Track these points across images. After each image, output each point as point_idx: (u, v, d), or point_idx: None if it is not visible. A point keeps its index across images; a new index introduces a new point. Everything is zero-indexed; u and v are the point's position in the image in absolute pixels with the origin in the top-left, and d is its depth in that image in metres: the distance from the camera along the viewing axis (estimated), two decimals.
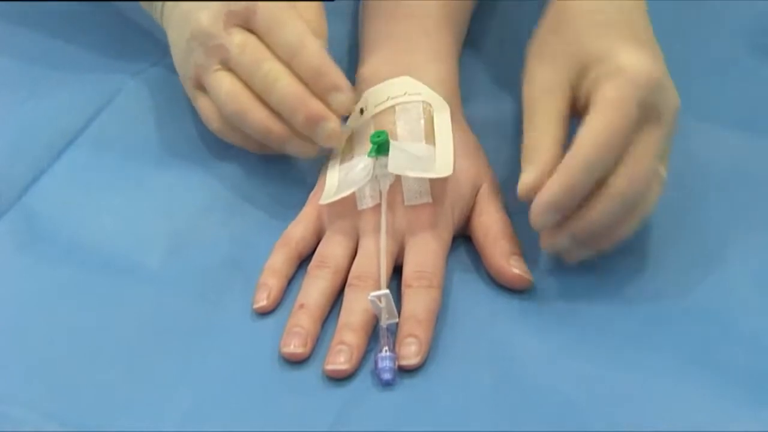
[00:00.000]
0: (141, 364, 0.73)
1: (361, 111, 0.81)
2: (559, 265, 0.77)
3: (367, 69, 0.84)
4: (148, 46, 0.92)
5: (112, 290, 0.77)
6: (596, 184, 0.72)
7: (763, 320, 0.74)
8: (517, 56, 0.79)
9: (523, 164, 0.74)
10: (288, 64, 0.79)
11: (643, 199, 0.74)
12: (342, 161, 0.80)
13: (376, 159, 0.77)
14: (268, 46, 0.80)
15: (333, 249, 0.77)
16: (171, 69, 0.86)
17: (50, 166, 0.84)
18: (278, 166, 0.83)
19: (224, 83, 0.80)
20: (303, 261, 0.78)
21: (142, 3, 0.87)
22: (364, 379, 0.71)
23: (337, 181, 0.79)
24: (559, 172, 0.72)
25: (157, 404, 0.71)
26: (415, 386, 0.71)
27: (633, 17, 0.77)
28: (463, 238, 0.79)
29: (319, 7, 0.82)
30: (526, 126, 0.75)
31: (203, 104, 0.83)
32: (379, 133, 0.78)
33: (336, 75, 0.79)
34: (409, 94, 0.81)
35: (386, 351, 0.72)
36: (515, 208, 0.78)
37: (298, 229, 0.78)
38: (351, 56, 0.90)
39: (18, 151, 0.85)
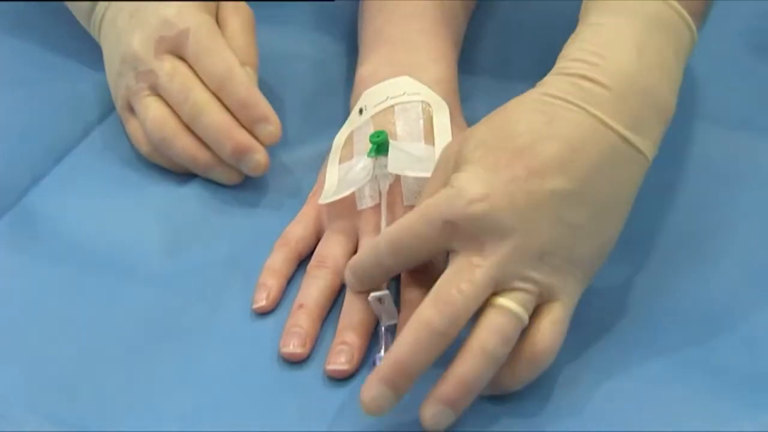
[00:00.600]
0: (140, 364, 0.73)
1: (361, 111, 0.81)
2: None
3: (366, 69, 0.84)
4: None
5: (112, 291, 0.76)
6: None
7: (762, 322, 0.74)
8: (515, 56, 0.80)
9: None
10: (216, 94, 0.81)
11: (481, 336, 0.66)
12: (341, 161, 0.80)
13: (376, 159, 0.77)
14: (197, 74, 0.82)
15: (332, 249, 0.77)
16: None
17: (50, 169, 0.84)
18: (277, 166, 0.83)
19: (151, 109, 0.82)
20: (302, 261, 0.78)
21: (79, 17, 0.89)
22: (364, 380, 0.71)
23: (337, 181, 0.79)
24: (357, 254, 0.73)
25: (156, 404, 0.71)
26: (413, 386, 0.71)
27: (561, 137, 0.69)
28: None
29: (250, 33, 0.85)
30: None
31: (133, 127, 0.84)
32: (378, 133, 0.78)
33: (264, 106, 0.81)
34: (408, 94, 0.81)
35: (384, 352, 0.72)
36: None
37: (298, 228, 0.78)
38: (350, 56, 0.90)
39: (18, 154, 0.85)
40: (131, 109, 0.84)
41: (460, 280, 0.67)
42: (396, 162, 0.76)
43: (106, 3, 0.85)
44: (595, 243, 0.70)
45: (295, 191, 0.82)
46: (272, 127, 0.81)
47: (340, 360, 0.71)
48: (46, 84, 0.90)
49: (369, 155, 0.78)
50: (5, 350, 0.74)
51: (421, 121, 0.80)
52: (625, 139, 0.70)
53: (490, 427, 0.69)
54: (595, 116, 0.69)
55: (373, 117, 0.80)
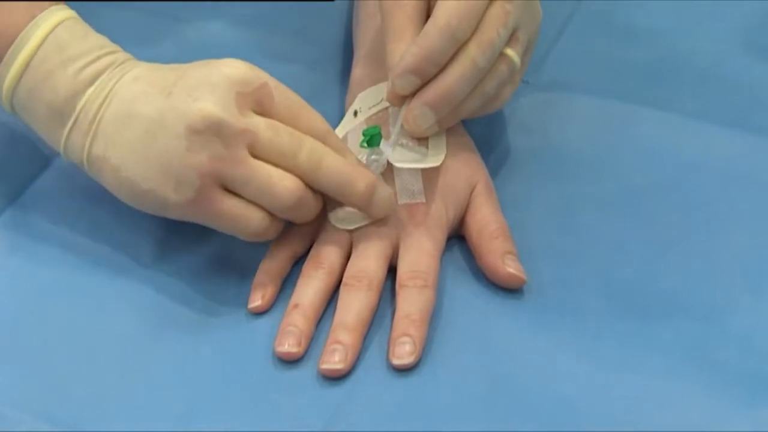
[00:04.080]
0: (135, 363, 0.73)
1: (355, 113, 0.81)
2: (555, 265, 0.77)
3: (361, 71, 0.84)
4: None
5: (106, 291, 0.76)
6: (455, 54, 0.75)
7: (757, 320, 0.74)
8: None
9: (388, 54, 0.77)
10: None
11: (490, 77, 0.76)
12: None
13: (368, 151, 0.78)
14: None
15: (327, 249, 0.77)
16: None
17: (46, 168, 0.84)
18: None
19: (273, 171, 0.73)
20: (298, 261, 0.78)
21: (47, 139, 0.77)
22: (359, 379, 0.71)
23: None
24: (419, 38, 0.75)
25: (151, 404, 0.71)
26: (409, 386, 0.71)
27: None
28: (458, 237, 0.79)
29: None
30: (384, 32, 0.77)
31: (231, 207, 0.73)
32: (371, 127, 0.78)
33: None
34: None
35: None
36: (509, 207, 0.79)
37: (294, 229, 0.78)
38: (345, 58, 0.90)
39: (13, 154, 0.85)
40: (222, 189, 0.73)
41: (498, 24, 0.75)
42: (396, 156, 0.77)
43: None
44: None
45: None
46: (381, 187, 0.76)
47: (333, 359, 0.71)
48: None
49: (361, 146, 0.78)
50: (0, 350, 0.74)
51: None
52: None
53: (492, 425, 0.69)
54: None
55: (367, 119, 0.80)
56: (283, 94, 0.74)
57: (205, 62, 0.74)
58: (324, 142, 0.75)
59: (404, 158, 0.77)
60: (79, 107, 0.74)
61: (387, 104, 0.80)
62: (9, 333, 0.75)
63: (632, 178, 0.82)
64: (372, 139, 0.77)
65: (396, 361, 0.72)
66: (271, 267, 0.77)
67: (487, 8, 0.75)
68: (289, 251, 0.78)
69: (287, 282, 0.77)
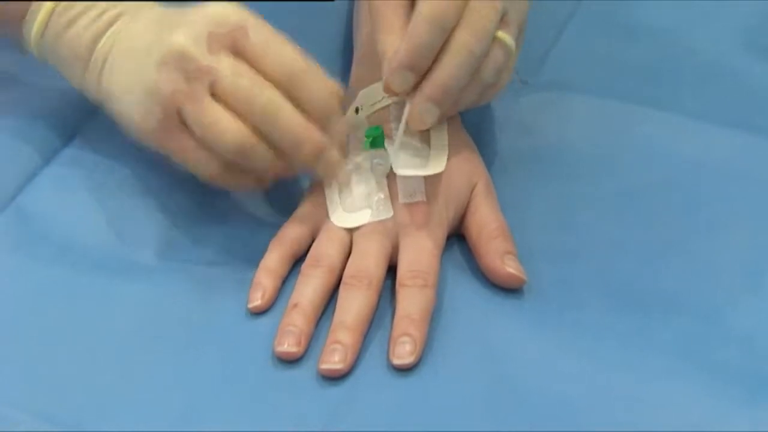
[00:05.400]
0: (135, 363, 0.73)
1: (357, 110, 0.81)
2: (555, 265, 0.77)
3: (361, 70, 0.84)
4: None
5: (106, 290, 0.76)
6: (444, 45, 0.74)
7: (757, 320, 0.74)
8: None
9: (380, 45, 0.76)
10: (287, 90, 0.75)
11: (487, 63, 0.75)
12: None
13: (371, 152, 0.78)
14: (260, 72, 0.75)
15: (327, 248, 0.77)
16: None
17: (44, 167, 0.84)
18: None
19: (222, 117, 0.74)
20: (298, 260, 0.78)
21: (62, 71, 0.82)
22: (358, 379, 0.71)
23: (337, 187, 0.79)
24: (407, 33, 0.74)
25: (151, 404, 0.71)
26: (409, 386, 0.71)
27: None
28: (457, 237, 0.79)
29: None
30: (373, 29, 0.77)
31: (186, 145, 0.75)
32: (374, 128, 0.78)
33: (342, 95, 0.77)
34: None
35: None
36: (509, 207, 0.79)
37: (293, 228, 0.78)
38: (345, 56, 0.90)
39: (11, 152, 0.85)
40: (181, 124, 0.75)
41: (489, 10, 0.74)
42: (396, 161, 0.77)
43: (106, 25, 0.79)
44: None
45: (291, 190, 0.82)
46: (342, 126, 0.77)
47: (333, 359, 0.71)
48: (37, 83, 0.90)
49: (364, 148, 0.78)
50: (0, 349, 0.74)
51: None
52: None
53: (492, 425, 0.69)
54: None
55: (368, 117, 0.81)
56: (260, 35, 0.75)
57: (204, 3, 0.76)
58: (291, 81, 0.74)
59: (407, 164, 0.77)
60: (97, 49, 0.78)
61: (388, 101, 0.80)
62: (9, 333, 0.75)
63: (632, 178, 0.82)
64: (375, 140, 0.77)
65: (396, 361, 0.72)
66: (270, 266, 0.77)
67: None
68: (289, 250, 0.78)
69: (287, 282, 0.77)
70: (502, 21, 0.75)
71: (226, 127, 0.74)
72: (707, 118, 0.86)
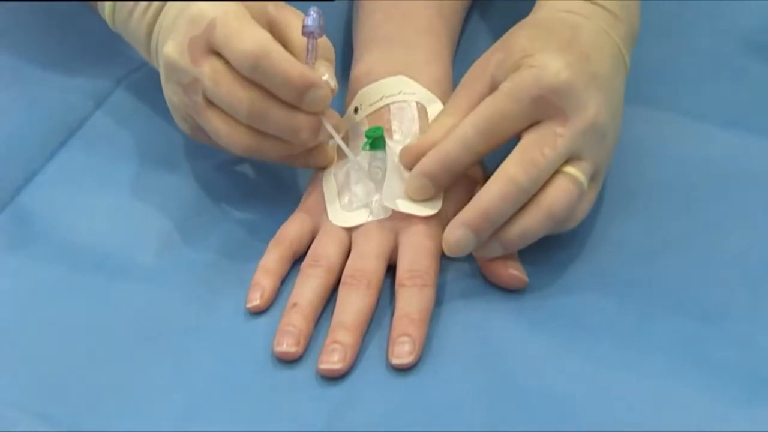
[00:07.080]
0: (134, 363, 0.73)
1: (356, 110, 0.81)
2: (555, 264, 0.77)
3: (361, 69, 0.84)
4: None
5: (105, 290, 0.77)
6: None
7: (756, 320, 0.74)
8: None
9: (431, 117, 0.78)
10: (253, 78, 0.74)
11: (553, 196, 0.73)
12: (337, 159, 0.80)
13: (371, 153, 0.78)
14: (233, 65, 0.74)
15: (326, 248, 0.77)
16: None
17: (43, 166, 0.84)
18: (272, 165, 0.83)
19: (221, 129, 0.76)
20: (297, 260, 0.78)
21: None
22: (357, 379, 0.71)
23: (336, 186, 0.79)
24: (438, 145, 0.75)
25: (150, 404, 0.71)
26: (408, 385, 0.71)
27: (586, 35, 0.76)
28: None
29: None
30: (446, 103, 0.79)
31: (218, 123, 0.76)
32: (374, 129, 0.78)
33: (308, 73, 0.74)
34: (404, 94, 0.81)
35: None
36: None
37: (292, 228, 0.78)
38: (345, 56, 0.90)
39: (11, 151, 0.85)
40: (200, 128, 0.78)
41: (543, 145, 0.73)
42: (391, 192, 0.76)
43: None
44: (616, 134, 0.77)
45: (289, 190, 0.82)
46: (322, 90, 0.75)
47: (332, 359, 0.71)
48: (38, 81, 0.90)
49: (363, 149, 0.78)
50: None
51: (417, 121, 0.80)
52: (620, 49, 0.78)
53: (491, 425, 0.69)
54: (599, 27, 0.77)
55: (368, 116, 0.81)
56: (223, 26, 0.73)
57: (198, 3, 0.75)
58: (255, 71, 0.73)
59: (400, 195, 0.77)
60: (151, 42, 0.80)
61: (387, 101, 0.80)
62: (9, 333, 0.75)
63: (632, 178, 0.82)
64: (375, 142, 0.77)
65: (395, 361, 0.72)
66: (269, 266, 0.77)
67: (531, 126, 0.74)
68: (288, 250, 0.78)
69: (286, 281, 0.77)
70: (574, 158, 0.74)
71: (227, 133, 0.76)
72: (707, 118, 0.86)
